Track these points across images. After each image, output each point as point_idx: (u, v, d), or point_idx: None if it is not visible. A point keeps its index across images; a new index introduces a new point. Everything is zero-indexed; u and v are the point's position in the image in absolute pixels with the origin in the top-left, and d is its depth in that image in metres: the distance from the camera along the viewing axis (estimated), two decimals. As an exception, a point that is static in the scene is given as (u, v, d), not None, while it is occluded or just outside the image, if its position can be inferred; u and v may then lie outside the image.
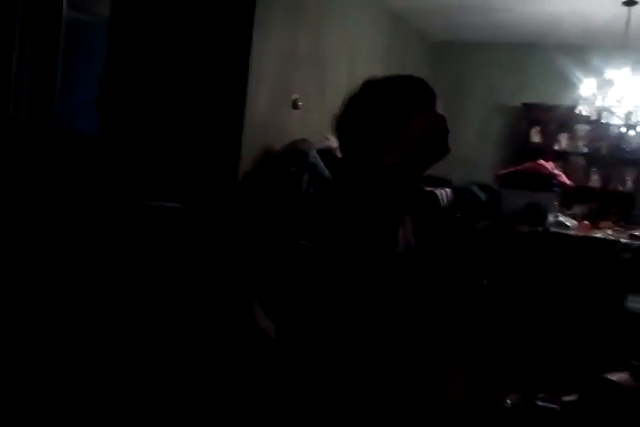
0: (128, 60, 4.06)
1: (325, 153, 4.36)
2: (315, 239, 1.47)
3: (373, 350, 1.52)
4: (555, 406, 3.05)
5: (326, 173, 4.08)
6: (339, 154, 3.99)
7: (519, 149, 6.58)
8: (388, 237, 1.49)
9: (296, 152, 4.06)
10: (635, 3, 4.79)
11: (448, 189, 4.91)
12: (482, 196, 4.93)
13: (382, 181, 1.51)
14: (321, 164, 4.09)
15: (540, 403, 3.09)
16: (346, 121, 1.60)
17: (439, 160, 1.56)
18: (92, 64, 4.34)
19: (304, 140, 4.22)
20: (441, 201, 4.66)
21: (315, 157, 4.07)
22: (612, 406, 2.92)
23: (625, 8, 4.88)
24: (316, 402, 1.45)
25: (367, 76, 1.64)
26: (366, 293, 1.47)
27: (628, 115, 5.05)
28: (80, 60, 4.54)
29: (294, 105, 4.48)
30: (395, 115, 1.51)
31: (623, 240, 4.38)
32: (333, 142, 4.65)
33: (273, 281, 1.54)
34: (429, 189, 4.86)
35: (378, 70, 6.05)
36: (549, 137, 6.58)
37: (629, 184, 6.36)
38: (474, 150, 6.92)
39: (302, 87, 4.53)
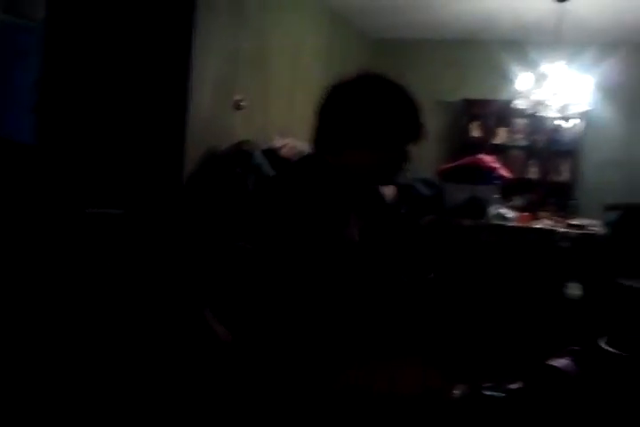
0: (65, 63, 3.99)
1: (270, 153, 4.37)
2: (254, 239, 1.48)
3: (321, 346, 1.54)
4: (501, 394, 3.15)
5: (272, 173, 4.10)
6: (284, 153, 4.00)
7: (460, 144, 6.72)
8: (331, 235, 1.50)
9: (241, 153, 4.06)
10: (565, -1, 4.94)
11: (392, 186, 4.97)
12: (425, 191, 5.01)
13: (333, 181, 1.54)
14: (266, 164, 4.10)
15: (486, 392, 3.18)
16: (330, 108, 1.59)
17: (376, 185, 1.61)
18: (27, 68, 4.24)
19: (248, 141, 4.22)
20: (385, 198, 4.72)
21: (260, 157, 4.08)
22: (556, 392, 3.02)
23: (557, 4, 5.04)
24: (273, 401, 1.47)
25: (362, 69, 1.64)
26: (310, 291, 1.49)
27: (563, 108, 5.21)
28: (13, 64, 4.43)
29: (237, 106, 4.47)
30: (367, 131, 1.53)
31: (561, 230, 4.53)
32: (278, 143, 4.67)
33: (216, 284, 1.55)
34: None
35: (320, 70, 6.13)
36: (489, 131, 6.73)
37: (566, 175, 6.56)
38: (416, 146, 7.03)
39: (245, 88, 4.53)
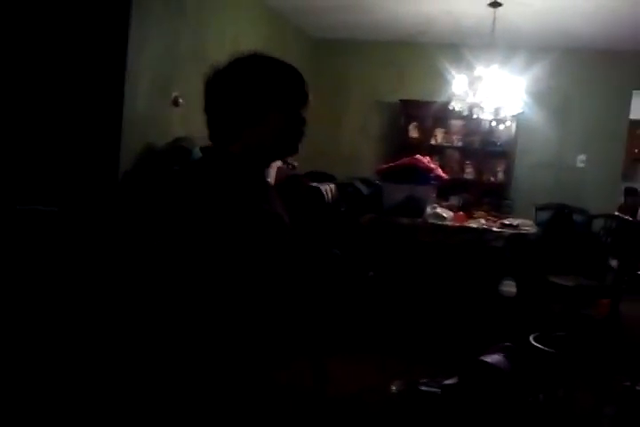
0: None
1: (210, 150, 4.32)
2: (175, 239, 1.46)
3: (258, 343, 1.53)
4: (437, 389, 3.21)
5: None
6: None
7: (398, 144, 6.80)
8: (251, 215, 1.48)
9: (179, 149, 4.01)
10: (499, 4, 5.06)
11: (332, 185, 5.00)
12: (364, 190, 5.06)
13: (226, 166, 1.54)
14: (204, 161, 4.06)
15: (422, 388, 3.23)
16: (215, 94, 1.59)
17: (284, 158, 1.62)
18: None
19: (186, 137, 4.17)
20: (325, 196, 4.75)
21: (198, 154, 4.03)
22: (490, 387, 3.10)
23: (491, 9, 5.16)
24: (205, 400, 1.45)
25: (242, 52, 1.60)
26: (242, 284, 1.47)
27: (497, 110, 5.33)
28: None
29: (175, 102, 4.42)
30: (259, 103, 1.52)
31: (495, 229, 4.63)
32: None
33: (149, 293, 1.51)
34: (314, 184, 4.94)
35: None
36: (426, 132, 6.84)
37: (500, 175, 6.73)
38: (355, 146, 7.10)
39: (184, 84, 4.47)
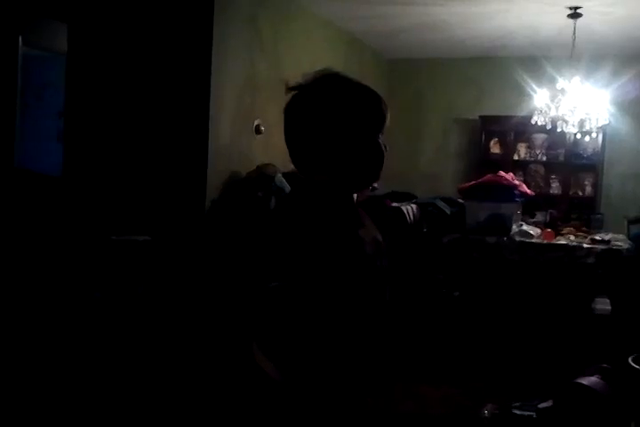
0: (88, 93, 4.08)
1: (292, 176, 4.40)
2: (287, 276, 1.47)
3: (359, 369, 1.53)
4: (531, 413, 3.13)
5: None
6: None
7: (479, 161, 6.71)
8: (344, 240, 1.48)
9: (262, 177, 4.10)
10: (579, 15, 4.95)
11: (413, 205, 4.99)
12: (446, 209, 5.01)
13: (312, 194, 1.54)
14: (287, 187, 4.13)
15: (516, 411, 3.15)
16: (296, 123, 1.58)
17: (368, 186, 1.61)
18: (50, 100, 4.33)
19: (269, 164, 4.26)
20: (407, 216, 4.73)
21: (281, 180, 4.12)
22: (586, 410, 2.99)
23: (571, 20, 5.05)
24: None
25: (325, 69, 1.60)
26: (349, 314, 1.48)
27: (581, 122, 5.20)
28: (38, 95, 4.54)
29: (257, 130, 4.53)
30: (344, 132, 1.51)
31: (585, 245, 4.49)
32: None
33: (262, 323, 1.52)
34: (395, 204, 4.93)
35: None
36: (508, 147, 6.72)
37: (588, 189, 6.52)
38: (436, 164, 7.05)
39: (264, 112, 4.58)
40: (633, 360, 2.83)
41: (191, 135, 3.95)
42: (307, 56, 5.27)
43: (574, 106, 5.12)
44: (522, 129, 6.40)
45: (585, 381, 3.05)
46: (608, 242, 4.59)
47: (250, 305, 1.51)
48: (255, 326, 1.50)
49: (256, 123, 4.50)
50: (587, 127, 5.24)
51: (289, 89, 1.61)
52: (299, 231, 1.45)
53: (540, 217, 5.67)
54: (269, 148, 4.60)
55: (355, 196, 1.62)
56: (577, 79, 5.12)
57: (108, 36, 4.05)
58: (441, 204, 5.02)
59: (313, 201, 1.52)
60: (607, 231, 5.09)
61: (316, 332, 1.42)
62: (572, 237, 4.73)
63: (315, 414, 1.45)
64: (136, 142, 3.91)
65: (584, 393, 2.99)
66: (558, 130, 5.32)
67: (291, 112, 1.60)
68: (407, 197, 5.54)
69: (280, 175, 4.15)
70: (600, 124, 5.27)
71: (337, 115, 1.51)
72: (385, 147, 1.59)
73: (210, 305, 3.06)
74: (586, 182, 6.52)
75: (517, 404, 3.24)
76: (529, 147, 6.72)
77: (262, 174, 4.08)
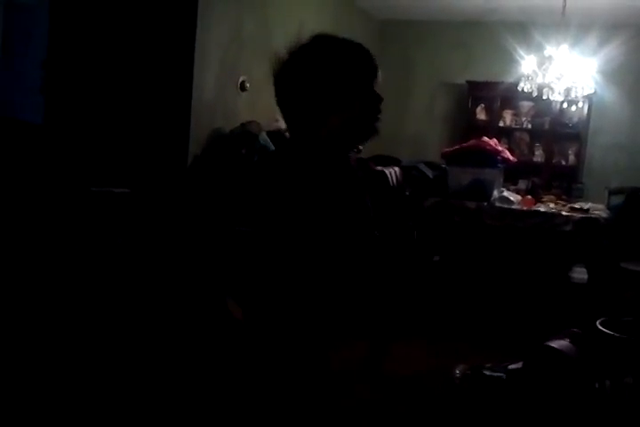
0: (71, 44, 4.00)
1: (275, 135, 4.38)
2: (267, 222, 1.50)
3: (329, 323, 1.57)
4: (501, 374, 3.19)
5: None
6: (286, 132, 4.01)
7: (465, 127, 6.70)
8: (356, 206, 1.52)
9: (246, 134, 4.08)
10: (571, -19, 4.91)
11: (397, 168, 4.99)
12: (429, 173, 5.03)
13: (317, 151, 1.56)
14: (271, 145, 4.11)
15: (486, 372, 3.22)
16: (290, 79, 1.60)
17: (367, 140, 1.62)
18: (33, 49, 4.24)
19: (253, 121, 4.23)
20: (390, 180, 4.74)
21: (265, 139, 4.09)
22: (555, 372, 3.07)
23: (563, -14, 5.00)
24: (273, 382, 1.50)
25: (316, 32, 1.62)
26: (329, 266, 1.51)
27: (568, 91, 5.19)
28: (19, 44, 4.43)
29: (242, 87, 4.48)
30: (341, 85, 1.53)
31: (564, 213, 4.53)
32: (283, 124, 4.68)
33: (236, 269, 1.56)
34: (379, 167, 4.93)
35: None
36: (494, 114, 6.71)
37: (572, 158, 6.55)
38: (421, 128, 7.04)
39: (249, 69, 4.53)
40: (601, 324, 2.89)
41: (174, 90, 3.91)
42: (295, 15, 5.18)
43: (561, 73, 5.10)
44: (508, 96, 6.38)
45: (555, 344, 3.12)
46: (587, 211, 4.64)
47: (226, 250, 1.54)
48: (228, 272, 1.52)
49: (241, 79, 4.45)
50: (572, 95, 5.23)
51: (280, 54, 1.61)
52: (298, 180, 1.50)
53: (522, 184, 5.71)
54: (254, 105, 4.56)
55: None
56: (564, 47, 5.09)
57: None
58: (424, 168, 5.03)
59: (311, 154, 1.54)
60: (587, 201, 5.13)
61: (287, 276, 1.45)
62: (552, 205, 4.77)
63: (278, 358, 1.49)
64: (119, 94, 3.86)
65: (553, 356, 3.05)
66: (544, 97, 5.31)
67: (284, 72, 1.61)
68: (391, 161, 5.55)
69: (264, 133, 4.12)
70: (586, 93, 5.27)
71: (329, 71, 1.54)
72: (381, 99, 1.60)
73: (186, 254, 3.07)
74: (569, 151, 6.55)
75: (489, 365, 3.31)
76: (515, 114, 6.72)
77: (246, 131, 4.05)
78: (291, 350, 1.51)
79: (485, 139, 4.89)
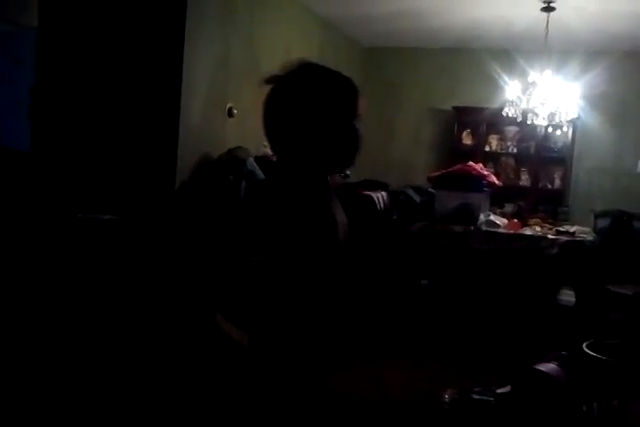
0: (59, 71, 4.03)
1: (263, 160, 4.40)
2: (264, 250, 1.53)
3: (323, 349, 1.59)
4: (490, 398, 3.19)
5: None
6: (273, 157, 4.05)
7: (452, 152, 6.76)
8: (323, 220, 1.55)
9: (233, 160, 4.10)
10: (552, 9, 5.00)
11: (384, 193, 5.02)
12: (416, 198, 5.06)
13: (290, 175, 1.60)
14: (259, 171, 4.13)
15: (475, 396, 3.21)
16: (274, 106, 1.65)
17: (342, 170, 1.67)
18: (20, 76, 4.28)
19: (240, 147, 4.26)
20: (377, 204, 4.77)
21: (252, 164, 4.12)
22: (544, 395, 3.06)
23: (544, 13, 5.10)
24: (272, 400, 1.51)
25: (301, 59, 1.67)
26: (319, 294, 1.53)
27: (552, 115, 5.26)
28: (8, 71, 4.47)
29: (230, 113, 4.51)
30: (320, 118, 1.57)
31: (550, 236, 4.56)
32: (270, 150, 4.71)
33: (233, 295, 1.59)
34: (366, 192, 4.96)
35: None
36: (480, 139, 6.78)
37: (557, 182, 6.61)
38: (408, 154, 7.10)
39: (237, 95, 4.57)
40: (587, 347, 2.90)
41: (162, 115, 3.93)
42: (282, 41, 5.26)
43: (545, 99, 5.18)
44: (494, 121, 6.47)
45: (543, 367, 3.12)
46: (573, 234, 4.67)
47: (219, 277, 1.56)
48: (224, 297, 1.55)
49: (228, 106, 4.48)
50: (556, 120, 5.31)
51: (266, 82, 1.66)
52: (276, 209, 1.53)
53: (508, 208, 5.74)
54: (241, 131, 4.59)
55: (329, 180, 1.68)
56: (548, 72, 5.18)
57: (79, 12, 4.00)
58: (411, 192, 5.06)
59: (290, 182, 1.57)
60: (573, 224, 5.16)
61: (285, 301, 1.47)
62: (538, 228, 4.80)
63: (278, 379, 1.50)
64: (107, 121, 3.88)
65: (541, 379, 3.05)
66: (529, 122, 5.39)
67: (270, 101, 1.67)
68: (379, 186, 5.58)
69: (252, 159, 4.15)
70: (570, 118, 5.35)
71: (314, 101, 1.58)
72: (359, 133, 1.65)
73: (173, 280, 3.07)
74: (555, 175, 6.61)
75: (477, 389, 3.30)
76: (500, 139, 6.79)
77: (234, 157, 4.07)
78: (288, 371, 1.52)
79: (471, 163, 4.95)
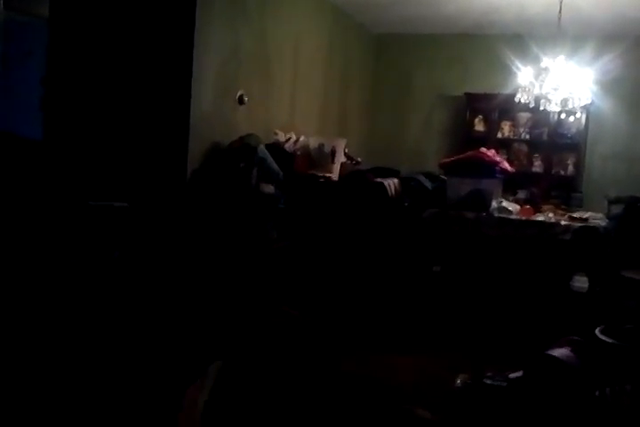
0: (70, 60, 4.04)
1: (273, 147, 4.41)
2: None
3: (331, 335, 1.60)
4: (502, 383, 3.18)
5: (275, 167, 4.13)
6: (287, 147, 4.05)
7: (464, 138, 6.73)
8: None
9: (244, 147, 4.10)
10: (566, -8, 4.95)
11: (396, 180, 5.00)
12: (428, 184, 5.04)
13: None
14: (270, 158, 4.14)
15: (487, 381, 3.21)
16: None
17: None
18: (33, 65, 4.30)
19: (251, 134, 4.26)
20: (389, 191, 4.75)
21: (263, 151, 4.12)
22: (556, 380, 3.06)
23: (557, -2, 5.05)
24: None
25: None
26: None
27: (565, 101, 5.21)
28: (20, 61, 4.49)
29: (240, 101, 4.52)
30: None
31: (563, 222, 4.54)
32: (281, 137, 4.71)
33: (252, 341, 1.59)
34: (378, 179, 4.94)
35: (321, 64, 6.17)
36: (492, 125, 6.75)
37: (570, 168, 6.57)
38: (420, 140, 7.08)
39: (247, 82, 4.57)
40: (600, 332, 2.89)
41: (173, 104, 3.94)
42: (292, 29, 5.25)
43: (558, 84, 5.13)
44: (506, 107, 6.42)
45: (555, 352, 3.11)
46: (586, 220, 4.64)
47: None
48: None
49: (239, 93, 4.48)
50: (569, 106, 5.26)
51: None
52: None
53: (521, 195, 5.71)
54: (252, 118, 4.60)
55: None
56: (561, 58, 5.13)
57: (91, 2, 4.01)
58: (422, 179, 5.04)
59: None
60: (587, 210, 5.13)
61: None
62: (551, 215, 4.77)
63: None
64: (118, 109, 3.89)
65: (554, 364, 3.05)
66: (541, 108, 5.34)
67: None
68: (390, 173, 5.56)
69: (263, 146, 4.15)
70: (583, 104, 5.29)
71: None
72: None
73: (184, 267, 3.08)
74: (568, 162, 6.57)
75: (489, 374, 3.30)
76: (513, 125, 6.75)
77: (245, 145, 4.07)
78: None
79: (484, 149, 4.91)
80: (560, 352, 3.14)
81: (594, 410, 2.88)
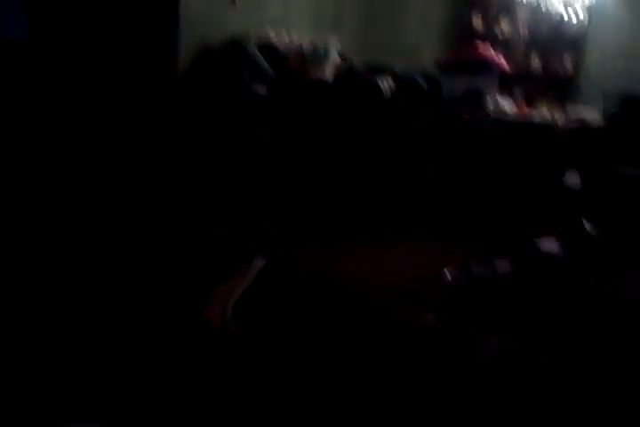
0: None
1: (265, 47, 4.33)
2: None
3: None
4: (489, 274, 3.29)
5: (265, 65, 4.07)
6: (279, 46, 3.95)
7: (461, 36, 6.57)
8: None
9: (235, 47, 4.03)
10: None
11: (390, 78, 4.92)
12: (423, 84, 4.97)
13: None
14: (261, 58, 4.07)
15: (475, 271, 3.31)
16: None
17: None
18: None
19: (242, 35, 4.17)
20: (383, 89, 4.70)
21: (254, 50, 4.05)
22: (544, 271, 3.16)
23: None
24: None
25: None
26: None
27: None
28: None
29: (232, 1, 4.39)
30: None
31: (559, 120, 4.53)
32: (272, 36, 4.60)
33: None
34: (372, 78, 4.86)
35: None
36: (491, 22, 6.57)
37: (569, 67, 6.45)
38: (416, 38, 6.89)
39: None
40: (586, 224, 2.96)
41: (162, 4, 3.83)
42: None
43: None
44: (506, 4, 6.24)
45: (543, 243, 3.20)
46: (582, 118, 4.63)
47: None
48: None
49: (230, -9, 4.35)
50: (572, 4, 5.10)
51: None
52: None
53: (517, 93, 5.66)
54: (244, 18, 4.49)
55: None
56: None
57: None
58: (418, 77, 4.97)
59: None
60: (583, 108, 5.10)
61: None
62: (546, 112, 4.75)
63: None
64: (105, 8, 3.79)
65: (541, 255, 3.15)
66: (542, 5, 5.19)
67: None
68: (385, 71, 5.45)
69: (253, 45, 4.07)
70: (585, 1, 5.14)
71: None
72: None
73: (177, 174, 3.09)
74: (567, 60, 6.44)
75: (476, 264, 3.40)
76: (512, 22, 6.57)
77: (235, 44, 4.00)
78: None
79: (480, 43, 4.82)
80: (548, 245, 3.23)
81: (580, 299, 3.00)
